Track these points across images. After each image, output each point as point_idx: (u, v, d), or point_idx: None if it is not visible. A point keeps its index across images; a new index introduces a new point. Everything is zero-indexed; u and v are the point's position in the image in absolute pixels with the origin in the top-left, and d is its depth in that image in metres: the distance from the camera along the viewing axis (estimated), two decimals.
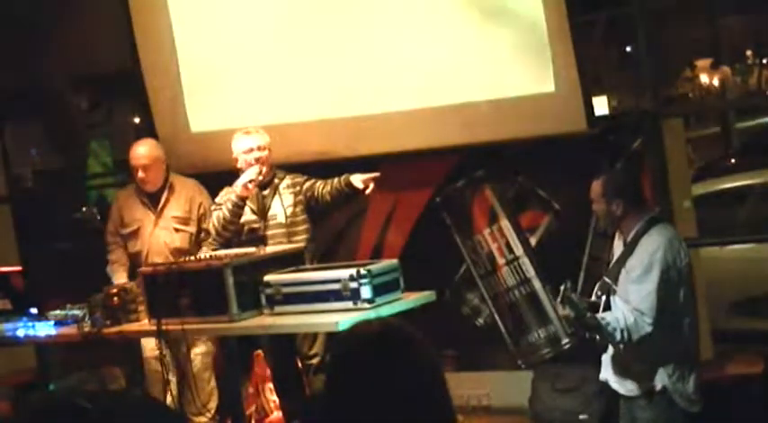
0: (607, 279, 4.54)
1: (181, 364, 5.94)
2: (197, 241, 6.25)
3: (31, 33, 7.80)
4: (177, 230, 6.24)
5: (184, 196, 6.29)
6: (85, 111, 9.00)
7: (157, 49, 7.08)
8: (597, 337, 4.51)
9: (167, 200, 6.26)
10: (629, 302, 4.38)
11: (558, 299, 4.42)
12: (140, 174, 6.21)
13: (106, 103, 9.06)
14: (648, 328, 4.33)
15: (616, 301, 4.43)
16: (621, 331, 4.33)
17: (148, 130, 7.25)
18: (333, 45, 6.53)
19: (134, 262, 6.28)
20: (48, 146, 9.34)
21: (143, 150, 6.26)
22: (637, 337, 4.34)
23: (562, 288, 4.38)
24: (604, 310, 4.44)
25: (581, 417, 5.79)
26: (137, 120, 8.28)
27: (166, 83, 7.10)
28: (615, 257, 4.62)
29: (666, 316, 4.38)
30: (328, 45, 6.54)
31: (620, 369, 4.57)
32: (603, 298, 4.47)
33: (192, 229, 6.26)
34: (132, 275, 6.14)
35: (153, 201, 6.27)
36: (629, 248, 4.50)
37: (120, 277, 6.17)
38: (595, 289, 4.58)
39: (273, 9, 6.70)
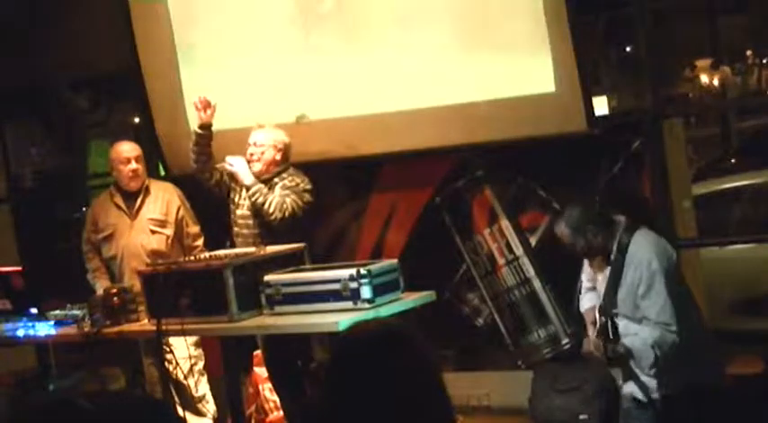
0: (604, 301, 4.51)
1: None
2: (174, 244, 6.24)
3: (30, 33, 7.80)
4: (154, 232, 6.23)
5: (161, 198, 6.29)
6: (85, 111, 8.98)
7: (157, 50, 7.08)
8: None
9: (143, 202, 6.25)
10: (649, 318, 4.37)
11: (602, 356, 4.41)
12: (134, 164, 6.20)
13: (106, 103, 9.04)
14: (674, 337, 4.35)
15: (627, 325, 4.42)
16: (653, 349, 4.34)
17: (148, 130, 7.25)
18: (332, 46, 6.53)
19: (109, 266, 6.28)
20: (48, 146, 9.33)
21: (131, 145, 6.33)
22: (666, 349, 4.35)
23: (608, 346, 4.37)
24: (613, 330, 4.40)
25: (581, 417, 5.78)
26: (137, 120, 8.26)
27: (166, 83, 7.10)
28: (605, 276, 4.57)
29: (681, 316, 4.38)
30: (328, 46, 6.54)
31: (644, 377, 4.53)
32: (608, 320, 4.42)
33: (169, 231, 6.25)
34: (111, 281, 6.14)
35: (128, 204, 6.25)
36: (618, 262, 4.48)
37: (102, 286, 6.08)
38: (595, 312, 4.55)
39: (273, 9, 6.70)
